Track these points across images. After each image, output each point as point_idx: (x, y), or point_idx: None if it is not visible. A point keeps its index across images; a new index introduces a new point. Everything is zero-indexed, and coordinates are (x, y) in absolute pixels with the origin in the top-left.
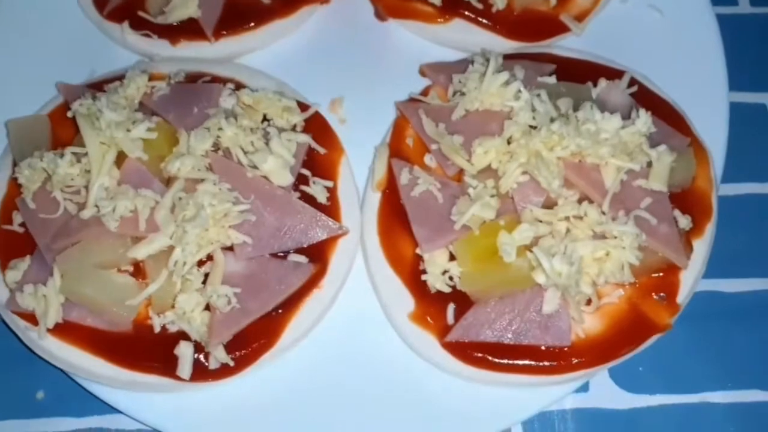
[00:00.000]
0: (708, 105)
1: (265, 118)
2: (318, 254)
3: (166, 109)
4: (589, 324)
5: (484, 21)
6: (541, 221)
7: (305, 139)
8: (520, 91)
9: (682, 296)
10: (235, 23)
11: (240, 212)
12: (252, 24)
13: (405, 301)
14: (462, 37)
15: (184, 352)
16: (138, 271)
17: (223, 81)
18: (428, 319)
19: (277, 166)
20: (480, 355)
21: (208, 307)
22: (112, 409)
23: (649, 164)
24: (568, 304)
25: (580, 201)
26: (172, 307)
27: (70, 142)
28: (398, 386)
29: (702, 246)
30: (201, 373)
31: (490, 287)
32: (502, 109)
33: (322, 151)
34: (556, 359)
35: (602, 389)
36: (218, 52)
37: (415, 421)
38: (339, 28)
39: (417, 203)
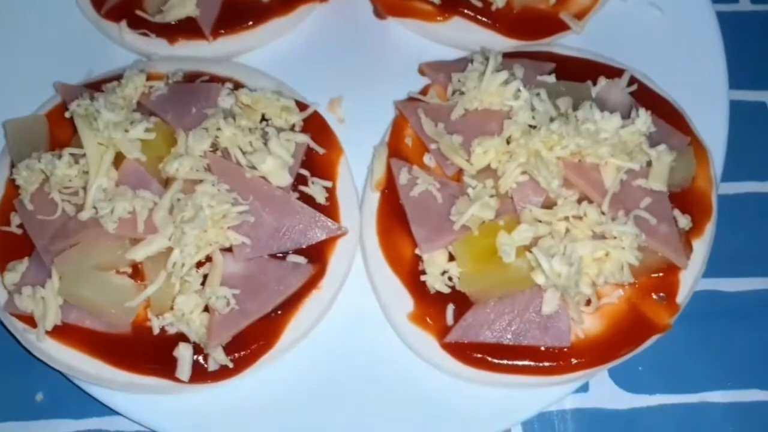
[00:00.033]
0: (708, 103)
1: (263, 118)
2: (317, 255)
3: (164, 109)
4: (588, 324)
5: (484, 19)
6: (540, 221)
7: (304, 139)
8: (519, 90)
9: (682, 296)
10: (233, 22)
11: (239, 213)
12: (250, 23)
13: (404, 301)
14: (461, 35)
15: (183, 353)
16: (137, 272)
17: (222, 80)
18: (427, 319)
19: (275, 166)
20: (479, 355)
21: (207, 309)
22: (112, 411)
23: (649, 164)
24: (568, 305)
25: (579, 201)
26: (171, 308)
27: (68, 143)
28: (398, 387)
29: (702, 246)
30: (200, 374)
31: (490, 288)
32: (501, 108)
33: (320, 151)
34: (555, 360)
35: (602, 389)
36: (216, 51)
37: (415, 422)
38: (338, 27)
39: (416, 203)
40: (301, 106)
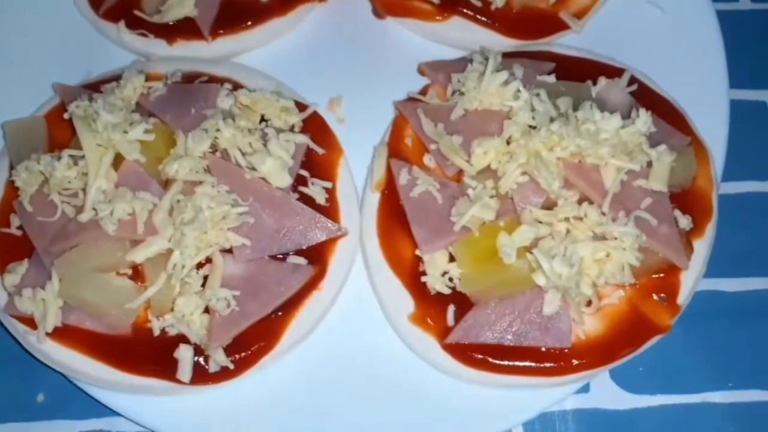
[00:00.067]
0: (708, 103)
1: (262, 119)
2: (317, 256)
3: (163, 109)
4: (589, 325)
5: (483, 19)
6: (540, 222)
7: (303, 139)
8: (519, 90)
9: (683, 297)
10: (232, 22)
11: (239, 214)
12: (249, 23)
13: (405, 302)
14: (461, 35)
15: (184, 355)
16: (137, 274)
17: (220, 81)
18: (428, 320)
19: (275, 167)
20: (480, 356)
21: (207, 310)
22: (112, 412)
23: (649, 164)
24: (569, 306)
25: (580, 202)
26: (172, 310)
27: (67, 144)
28: (398, 388)
29: (702, 246)
30: (201, 376)
31: (490, 288)
32: (501, 108)
33: (320, 151)
34: (556, 361)
35: (603, 390)
36: (215, 51)
37: (416, 423)
38: (337, 27)
39: (416, 204)
40: (301, 106)
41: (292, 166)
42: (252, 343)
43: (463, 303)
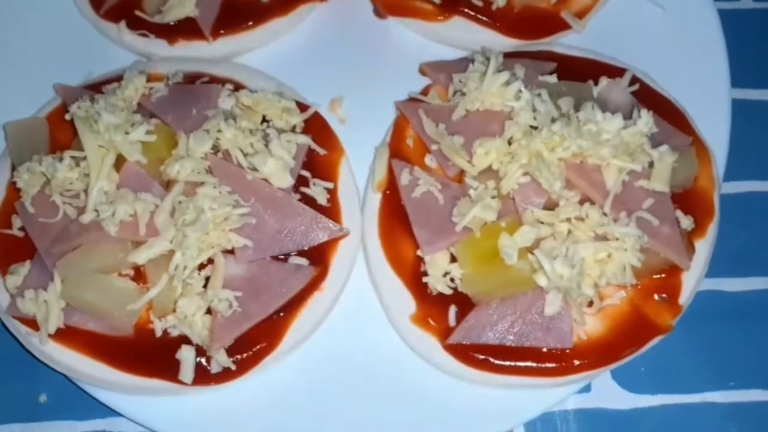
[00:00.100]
0: (710, 102)
1: (264, 119)
2: (319, 256)
3: (165, 110)
4: (591, 326)
5: (484, 19)
6: (542, 223)
7: (305, 140)
8: (520, 91)
9: (684, 297)
10: (233, 22)
11: (240, 215)
12: (250, 23)
13: (406, 302)
14: (462, 35)
15: (186, 356)
16: (139, 275)
17: (222, 81)
18: (430, 321)
19: (277, 168)
20: (482, 357)
21: (209, 311)
22: (115, 413)
23: (651, 164)
24: (570, 306)
25: (581, 202)
26: (174, 311)
27: (69, 145)
28: (400, 388)
29: (704, 246)
30: (203, 376)
31: (492, 289)
32: (502, 109)
33: (322, 152)
34: (558, 361)
35: (604, 389)
36: (216, 51)
37: (418, 423)
38: (338, 27)
39: (418, 204)
40: (302, 107)
41: (293, 166)
42: (254, 343)
43: (464, 303)
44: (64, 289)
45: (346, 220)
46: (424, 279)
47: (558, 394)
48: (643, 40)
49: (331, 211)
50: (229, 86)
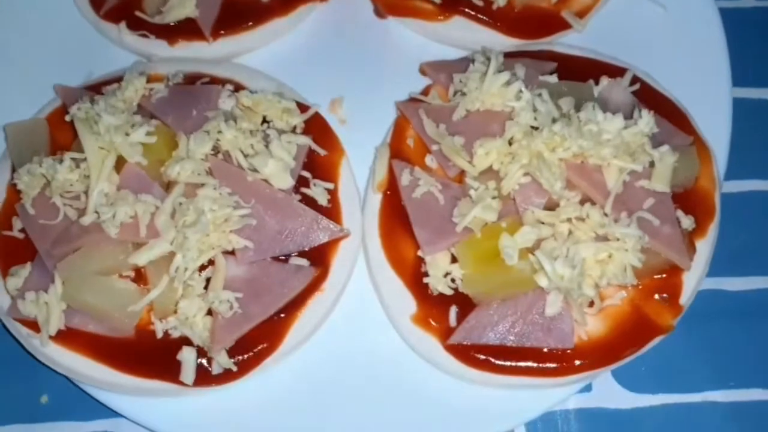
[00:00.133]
0: (711, 101)
1: (264, 120)
2: (319, 257)
3: (165, 111)
4: (591, 326)
5: (485, 18)
6: (543, 223)
7: (305, 141)
8: (521, 91)
9: (685, 297)
10: (233, 23)
11: (241, 217)
12: (250, 23)
13: (407, 303)
14: (462, 34)
15: (187, 357)
16: (139, 276)
17: (222, 82)
18: (430, 321)
19: (277, 169)
20: (483, 357)
21: (210, 312)
22: (116, 414)
23: (652, 164)
24: (571, 307)
25: (582, 202)
26: (175, 312)
27: (69, 146)
28: (401, 388)
29: (705, 246)
30: (204, 377)
31: (493, 290)
32: (503, 109)
33: (322, 152)
34: (559, 361)
35: (605, 389)
36: (216, 52)
37: (419, 423)
38: (338, 27)
39: (418, 205)
40: (302, 107)
41: (294, 167)
42: (255, 344)
43: (465, 304)
44: (64, 290)
45: (346, 221)
46: (425, 279)
47: (559, 394)
48: (643, 40)
49: (331, 211)
50: (230, 87)
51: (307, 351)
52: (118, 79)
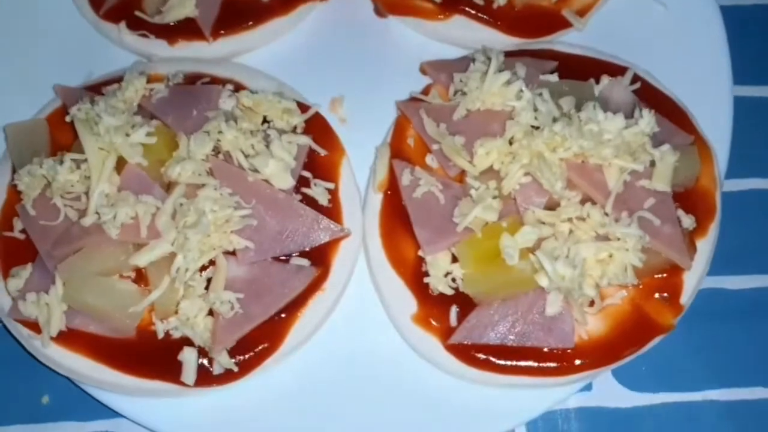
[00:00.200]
0: (712, 100)
1: (264, 120)
2: (320, 257)
3: (165, 111)
4: (592, 325)
5: (485, 17)
6: (543, 223)
7: (306, 141)
8: (522, 90)
9: (686, 297)
10: (233, 22)
11: (241, 217)
12: (250, 23)
13: (408, 303)
14: (462, 33)
15: (188, 357)
16: (140, 277)
17: (222, 82)
18: (431, 321)
19: (278, 169)
20: (483, 357)
21: (211, 312)
22: (117, 414)
23: (652, 164)
24: (571, 306)
25: (582, 202)
26: (176, 313)
27: (69, 146)
28: (402, 388)
29: (705, 246)
30: (205, 378)
31: (493, 289)
32: (503, 108)
33: (322, 152)
34: (559, 361)
35: (605, 388)
36: (216, 51)
37: (420, 423)
38: (338, 26)
39: (419, 205)
40: (303, 107)
41: (294, 167)
42: (255, 344)
43: (465, 303)
44: (65, 291)
45: (347, 221)
46: (426, 279)
47: (559, 393)
48: (644, 38)
49: (332, 211)
50: (230, 87)
51: (307, 351)
52: (118, 80)
